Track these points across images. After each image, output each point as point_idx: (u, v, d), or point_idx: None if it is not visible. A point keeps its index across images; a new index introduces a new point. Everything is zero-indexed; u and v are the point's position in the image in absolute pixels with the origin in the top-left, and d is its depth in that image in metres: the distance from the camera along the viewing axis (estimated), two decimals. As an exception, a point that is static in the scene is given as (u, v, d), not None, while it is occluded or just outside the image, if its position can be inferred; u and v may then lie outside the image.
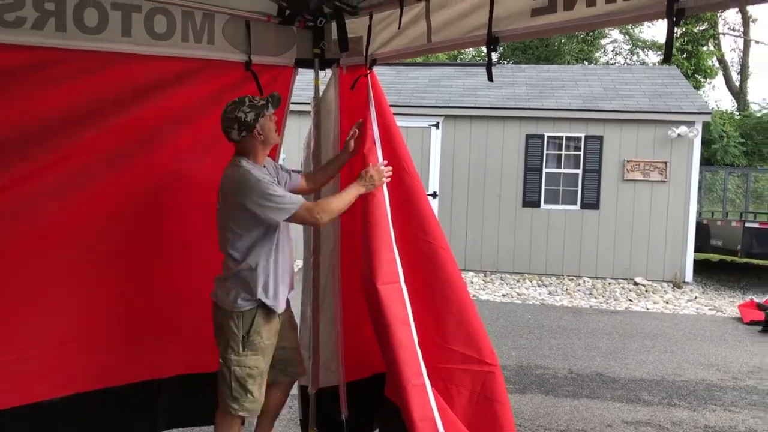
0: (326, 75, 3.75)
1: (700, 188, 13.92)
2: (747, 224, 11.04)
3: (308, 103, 3.79)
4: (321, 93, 3.72)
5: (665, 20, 2.29)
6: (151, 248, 3.53)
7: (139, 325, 3.55)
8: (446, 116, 11.79)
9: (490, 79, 2.85)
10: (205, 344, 3.35)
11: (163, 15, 3.21)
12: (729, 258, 13.32)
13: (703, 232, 11.96)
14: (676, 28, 2.33)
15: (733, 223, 11.57)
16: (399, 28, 3.14)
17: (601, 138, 11.50)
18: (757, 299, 9.51)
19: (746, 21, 28.67)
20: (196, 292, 3.40)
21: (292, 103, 3.89)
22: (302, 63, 3.68)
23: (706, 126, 21.09)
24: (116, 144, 3.29)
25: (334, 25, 3.57)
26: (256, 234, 3.06)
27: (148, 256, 3.53)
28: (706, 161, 22.20)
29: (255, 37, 3.47)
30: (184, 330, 3.66)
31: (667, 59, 2.43)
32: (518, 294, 10.32)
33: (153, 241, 3.54)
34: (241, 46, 3.44)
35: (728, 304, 10.03)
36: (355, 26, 3.51)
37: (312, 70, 3.70)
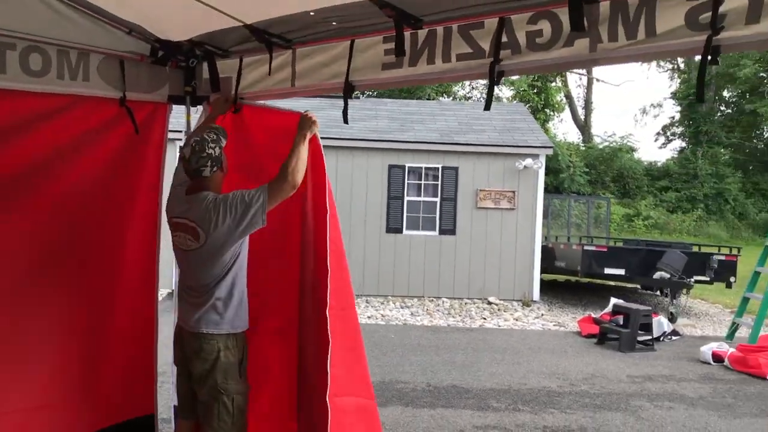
0: (198, 111, 4.02)
1: (546, 214, 15.13)
2: (585, 247, 12.16)
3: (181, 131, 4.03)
4: (192, 127, 3.98)
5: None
6: (29, 296, 3.58)
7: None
8: (313, 146, 12.15)
9: (346, 121, 3.28)
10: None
11: (38, 53, 3.33)
12: (573, 278, 14.51)
13: (549, 254, 12.94)
14: (496, 87, 2.86)
15: (574, 246, 12.64)
16: (269, 73, 3.47)
17: (456, 169, 12.34)
18: (594, 315, 10.49)
19: (587, 63, 31.22)
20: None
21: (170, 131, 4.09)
22: (175, 99, 3.91)
23: (554, 157, 22.95)
24: None
25: (204, 65, 3.87)
26: (242, 252, 3.17)
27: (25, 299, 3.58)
28: (555, 189, 24.04)
29: (129, 75, 3.65)
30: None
31: (487, 107, 2.92)
32: (382, 315, 10.80)
33: (33, 286, 3.58)
34: (116, 84, 3.61)
35: (570, 319, 11.01)
36: (226, 67, 3.80)
37: (184, 106, 3.95)
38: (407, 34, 2.99)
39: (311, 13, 3.04)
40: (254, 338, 3.41)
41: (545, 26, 2.66)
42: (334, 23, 3.13)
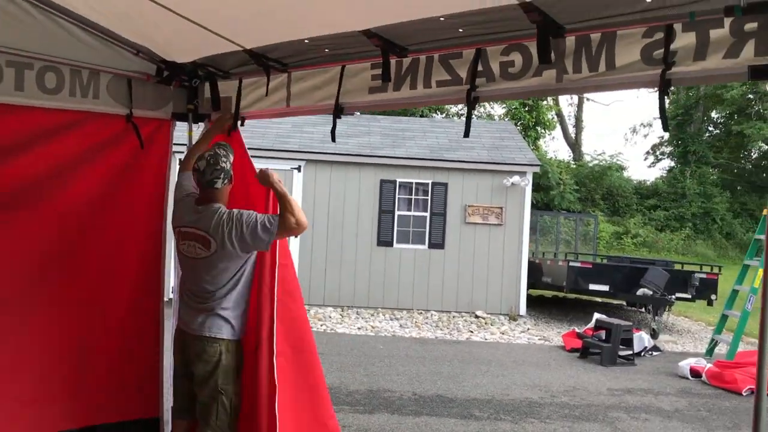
0: (199, 127, 4.29)
1: (536, 231, 15.42)
2: (571, 263, 12.40)
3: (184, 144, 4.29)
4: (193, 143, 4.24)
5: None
6: (37, 300, 3.81)
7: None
8: (308, 161, 12.42)
9: (333, 140, 3.56)
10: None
11: (53, 72, 3.62)
12: (561, 294, 14.76)
13: (536, 270, 13.18)
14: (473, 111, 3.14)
15: (560, 263, 12.88)
16: (266, 94, 3.74)
17: (446, 185, 12.62)
18: (578, 329, 10.74)
19: (579, 82, 31.62)
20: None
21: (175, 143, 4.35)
22: (178, 117, 4.19)
23: (544, 174, 23.30)
24: (9, 188, 3.63)
25: (206, 85, 4.14)
26: (249, 266, 3.43)
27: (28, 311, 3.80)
28: (545, 206, 24.37)
29: (136, 93, 3.93)
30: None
31: (466, 135, 3.20)
32: (372, 327, 11.02)
33: (40, 292, 3.82)
34: (123, 101, 3.90)
35: (555, 334, 11.23)
36: (226, 87, 4.08)
37: (186, 123, 4.22)
38: (393, 61, 3.26)
39: (306, 41, 3.32)
40: None
41: (517, 57, 2.95)
42: (326, 50, 3.41)
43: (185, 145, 4.23)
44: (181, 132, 4.21)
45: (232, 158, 3.47)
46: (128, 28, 3.56)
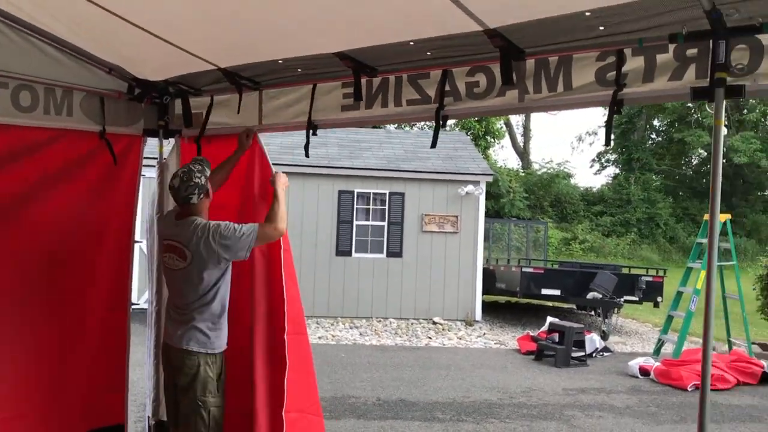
0: (170, 143, 4.38)
1: (488, 238, 15.76)
2: (524, 269, 12.77)
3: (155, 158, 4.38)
4: (165, 157, 4.34)
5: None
6: (10, 317, 3.84)
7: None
8: (264, 172, 12.45)
9: (307, 155, 3.71)
10: None
11: (28, 90, 3.66)
12: (514, 299, 15.13)
13: (490, 276, 13.50)
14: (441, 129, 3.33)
15: (513, 269, 13.26)
16: (238, 112, 3.87)
17: (403, 194, 12.85)
18: (532, 333, 11.05)
19: (526, 92, 32.32)
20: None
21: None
22: (149, 132, 4.26)
23: (494, 182, 23.75)
24: None
25: (177, 101, 4.24)
26: (225, 278, 3.49)
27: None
28: (496, 213, 24.85)
29: (108, 111, 4.00)
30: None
31: (433, 146, 3.38)
32: (333, 336, 11.12)
33: (12, 311, 3.85)
34: (97, 118, 3.96)
35: (510, 338, 11.54)
36: (197, 104, 4.18)
37: (157, 139, 4.31)
38: (363, 80, 3.44)
39: (280, 61, 3.47)
40: None
41: (481, 78, 3.15)
42: (299, 70, 3.57)
43: (156, 159, 4.33)
44: (151, 147, 4.30)
45: (208, 172, 3.56)
46: (104, 48, 3.63)
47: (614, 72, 2.80)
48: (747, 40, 2.47)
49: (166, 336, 3.64)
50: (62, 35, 3.47)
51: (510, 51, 2.91)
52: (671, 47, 2.65)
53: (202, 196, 3.49)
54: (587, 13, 2.56)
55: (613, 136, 33.00)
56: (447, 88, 3.23)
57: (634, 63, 2.77)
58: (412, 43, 3.02)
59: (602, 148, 37.73)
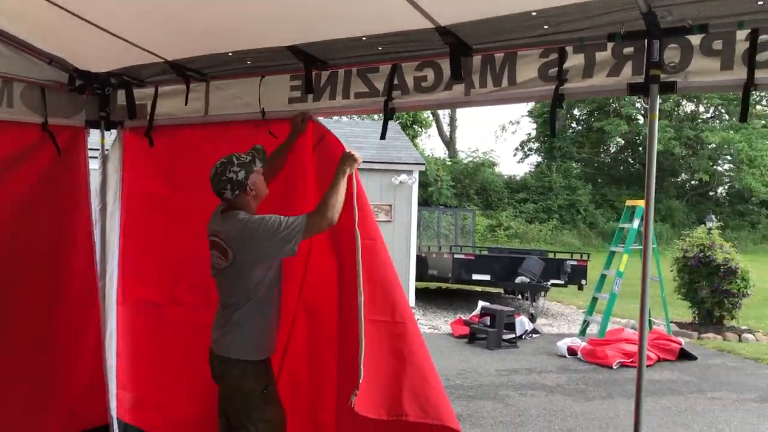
0: (112, 134, 4.31)
1: (419, 226, 15.99)
2: (455, 256, 13.06)
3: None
4: (107, 149, 4.27)
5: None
6: None
7: None
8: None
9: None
10: None
11: (-36, 81, 3.55)
12: (444, 285, 15.43)
13: (422, 263, 13.70)
14: (390, 122, 3.43)
15: (445, 255, 13.51)
16: (186, 103, 3.85)
17: (337, 183, 12.86)
18: (464, 317, 11.31)
19: (452, 82, 32.85)
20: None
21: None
22: (91, 124, 4.19)
23: (424, 172, 24.07)
24: None
25: (119, 92, 4.18)
26: (271, 274, 3.11)
27: None
28: (424, 201, 25.20)
29: (50, 102, 3.91)
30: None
31: (382, 137, 3.49)
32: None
33: None
34: (38, 110, 3.87)
35: (444, 323, 11.77)
36: (141, 95, 4.13)
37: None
38: (313, 73, 3.49)
39: (230, 54, 3.49)
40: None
41: (429, 73, 3.27)
42: (248, 62, 3.59)
43: (98, 150, 4.26)
44: (95, 137, 4.23)
45: (258, 165, 3.15)
46: (45, 38, 3.56)
47: (556, 68, 2.96)
48: (679, 41, 2.68)
49: (211, 340, 3.27)
50: (2, 26, 3.38)
51: (459, 47, 3.04)
52: (610, 46, 2.83)
53: (237, 191, 3.08)
54: (533, 13, 2.71)
55: (535, 125, 33.84)
56: (396, 81, 3.33)
57: (575, 60, 2.94)
58: (364, 38, 3.11)
59: (525, 137, 38.91)
